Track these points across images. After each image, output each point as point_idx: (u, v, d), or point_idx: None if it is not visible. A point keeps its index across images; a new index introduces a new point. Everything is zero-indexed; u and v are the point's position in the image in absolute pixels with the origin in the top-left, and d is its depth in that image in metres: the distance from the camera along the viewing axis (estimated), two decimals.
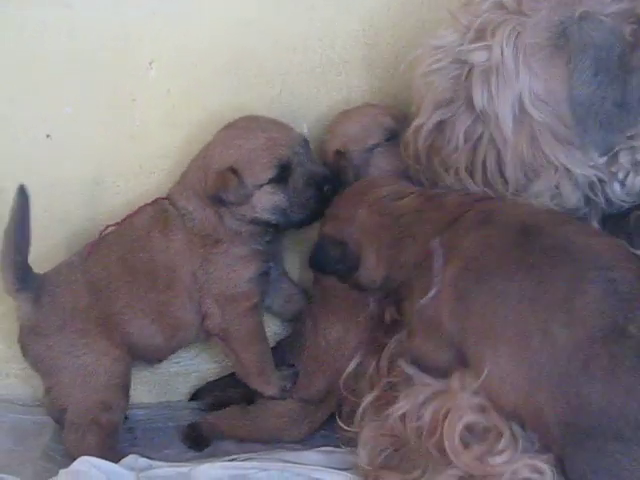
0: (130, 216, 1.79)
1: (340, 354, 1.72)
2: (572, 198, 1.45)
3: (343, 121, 1.78)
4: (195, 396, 1.94)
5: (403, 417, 1.39)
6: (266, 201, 1.67)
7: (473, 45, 1.43)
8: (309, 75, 1.82)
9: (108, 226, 1.80)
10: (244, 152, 1.66)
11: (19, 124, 1.83)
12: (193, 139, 1.84)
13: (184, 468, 1.58)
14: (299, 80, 1.82)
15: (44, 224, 1.86)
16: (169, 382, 1.98)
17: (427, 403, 1.37)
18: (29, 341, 1.74)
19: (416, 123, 1.54)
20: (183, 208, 1.73)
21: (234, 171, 1.65)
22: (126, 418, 1.81)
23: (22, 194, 1.64)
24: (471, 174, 1.50)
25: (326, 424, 1.74)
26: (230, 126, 1.73)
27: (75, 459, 1.58)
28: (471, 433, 1.32)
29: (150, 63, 1.80)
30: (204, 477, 1.55)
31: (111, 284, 1.73)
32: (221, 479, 1.46)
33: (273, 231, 1.75)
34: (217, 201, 1.67)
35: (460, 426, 1.31)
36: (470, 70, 1.44)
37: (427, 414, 1.35)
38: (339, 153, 1.74)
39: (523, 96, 1.38)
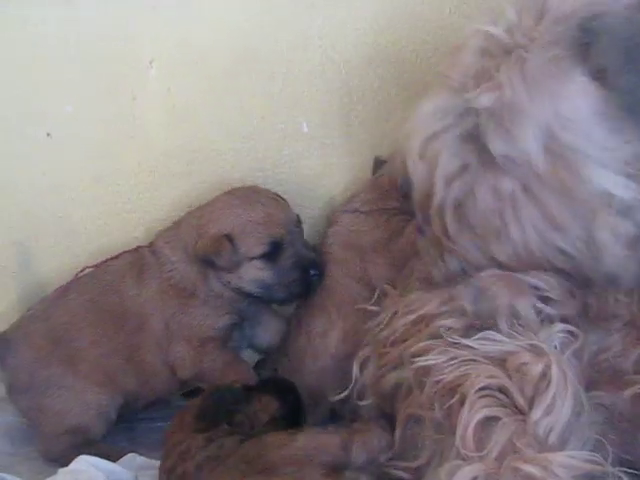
0: (108, 260, 1.80)
1: (322, 350, 1.69)
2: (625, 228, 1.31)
3: None
4: (190, 394, 1.93)
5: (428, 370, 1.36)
6: (253, 274, 1.67)
7: (477, 90, 1.31)
8: (309, 74, 1.82)
9: (86, 267, 1.81)
10: (242, 222, 1.66)
11: (19, 123, 1.83)
12: (193, 138, 1.85)
13: None
14: (299, 79, 1.82)
15: (44, 222, 1.88)
16: None
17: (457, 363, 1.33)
18: (13, 399, 1.77)
19: (435, 204, 1.40)
20: (165, 257, 1.73)
21: (229, 238, 1.66)
22: (124, 416, 1.81)
23: None
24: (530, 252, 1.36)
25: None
26: (232, 193, 1.73)
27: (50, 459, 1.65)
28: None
29: (150, 62, 1.80)
30: None
31: (73, 326, 1.73)
32: None
33: (254, 300, 1.74)
34: (206, 263, 1.68)
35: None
36: (479, 118, 1.32)
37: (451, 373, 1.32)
38: None
39: (549, 122, 1.27)
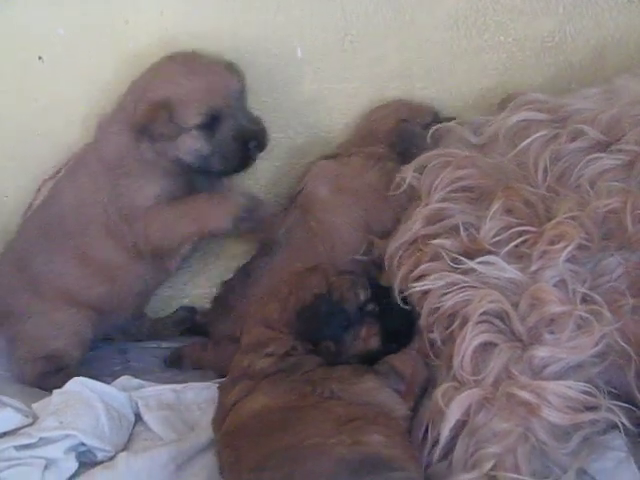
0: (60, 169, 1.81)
1: None
2: None
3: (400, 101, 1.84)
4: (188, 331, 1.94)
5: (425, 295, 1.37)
6: (190, 145, 1.65)
7: None
8: None
9: (45, 180, 1.83)
10: (180, 91, 1.63)
11: (10, 46, 1.81)
12: None
13: (176, 387, 1.61)
14: (293, 4, 1.80)
15: (37, 148, 1.88)
16: (162, 306, 1.99)
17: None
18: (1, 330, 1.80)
19: None
20: (101, 133, 1.72)
21: (166, 106, 1.62)
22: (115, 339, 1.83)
23: None
24: None
25: None
26: (174, 59, 1.69)
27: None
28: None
29: None
30: (195, 395, 1.57)
31: (28, 252, 1.75)
32: (213, 398, 1.47)
33: (192, 174, 1.71)
34: (143, 132, 1.65)
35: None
36: None
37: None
38: (404, 121, 1.77)
39: None
